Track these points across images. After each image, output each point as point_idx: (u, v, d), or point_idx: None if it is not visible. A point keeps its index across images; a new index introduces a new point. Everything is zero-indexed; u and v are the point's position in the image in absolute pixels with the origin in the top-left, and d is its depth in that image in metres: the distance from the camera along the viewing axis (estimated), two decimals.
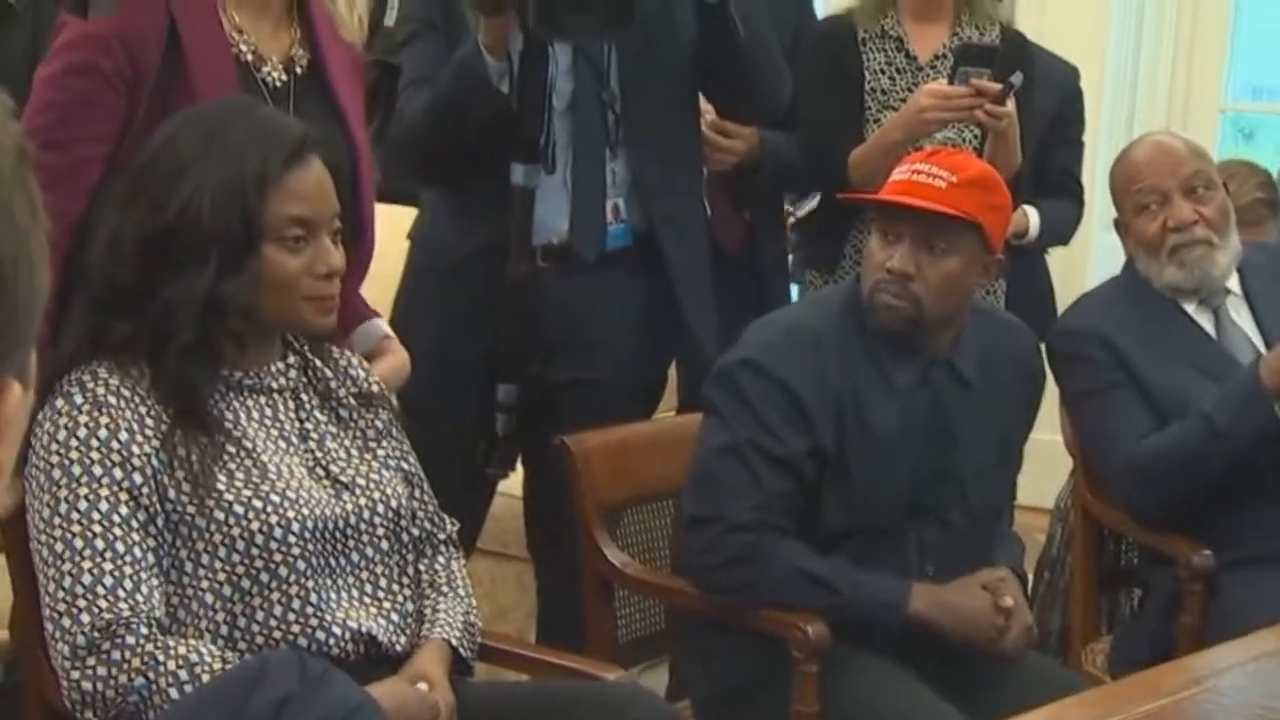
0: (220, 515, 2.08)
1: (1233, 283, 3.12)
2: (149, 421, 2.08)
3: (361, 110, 2.57)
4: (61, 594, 2.01)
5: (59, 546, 2.03)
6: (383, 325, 2.65)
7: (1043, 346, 3.04)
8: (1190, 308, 3.10)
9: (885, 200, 2.59)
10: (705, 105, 3.29)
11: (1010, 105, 3.24)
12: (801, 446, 2.55)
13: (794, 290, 3.79)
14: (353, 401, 2.28)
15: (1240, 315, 3.11)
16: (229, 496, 2.09)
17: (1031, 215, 3.77)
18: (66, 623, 2.01)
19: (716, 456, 2.59)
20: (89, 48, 2.36)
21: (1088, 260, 4.95)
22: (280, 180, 2.13)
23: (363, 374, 2.33)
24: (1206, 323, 3.10)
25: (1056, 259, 4.16)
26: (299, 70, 2.49)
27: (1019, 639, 2.60)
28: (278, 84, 2.46)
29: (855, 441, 2.57)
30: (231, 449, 2.12)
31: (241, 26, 2.45)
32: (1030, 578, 3.43)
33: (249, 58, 2.45)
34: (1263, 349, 3.03)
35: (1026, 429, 2.84)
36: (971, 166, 2.62)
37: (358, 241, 2.37)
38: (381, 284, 3.23)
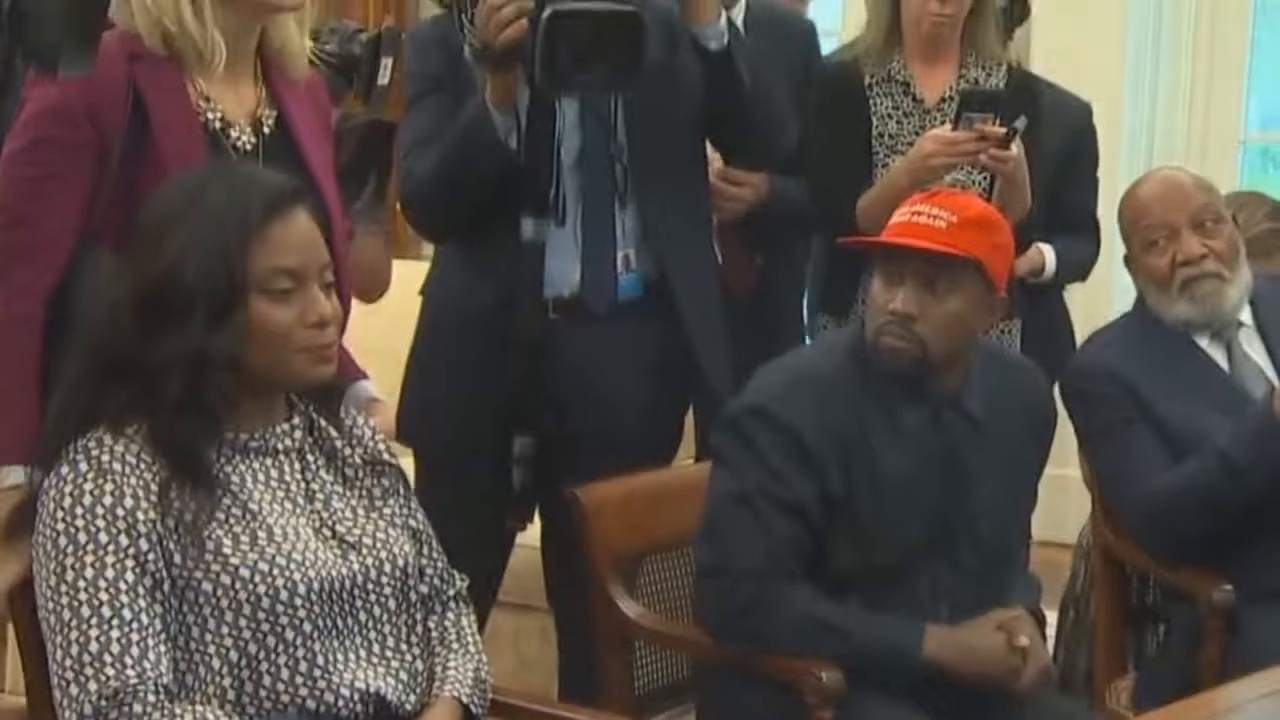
0: (226, 579, 2.09)
1: (1245, 315, 3.12)
2: (153, 487, 2.10)
3: (330, 165, 2.59)
4: (69, 662, 2.03)
5: (66, 614, 2.04)
6: (369, 388, 2.67)
7: (1057, 385, 3.05)
8: (1203, 341, 3.10)
9: (885, 242, 2.60)
10: (712, 153, 3.31)
11: (1016, 148, 3.25)
12: (809, 491, 2.56)
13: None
14: (358, 460, 2.30)
15: (1253, 347, 3.11)
16: (234, 560, 2.10)
17: (1047, 253, 3.77)
18: (74, 691, 2.02)
19: (725, 505, 2.60)
20: (52, 121, 2.39)
21: (1109, 296, 4.93)
22: (262, 231, 2.14)
23: (369, 433, 2.34)
24: (1219, 356, 3.10)
25: (1077, 296, 4.16)
26: (266, 129, 2.52)
27: (1035, 678, 2.59)
28: (247, 148, 2.48)
29: (863, 485, 2.58)
30: (237, 512, 2.14)
31: (208, 94, 2.48)
32: (1051, 615, 3.41)
33: (217, 125, 2.47)
34: (1276, 381, 3.03)
35: (1039, 468, 2.84)
36: (972, 206, 2.63)
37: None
38: (401, 337, 3.25)
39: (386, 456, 2.34)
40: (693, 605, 2.82)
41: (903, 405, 2.61)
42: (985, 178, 3.39)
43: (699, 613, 2.72)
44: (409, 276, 3.30)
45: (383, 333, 3.20)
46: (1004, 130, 3.22)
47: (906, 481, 2.59)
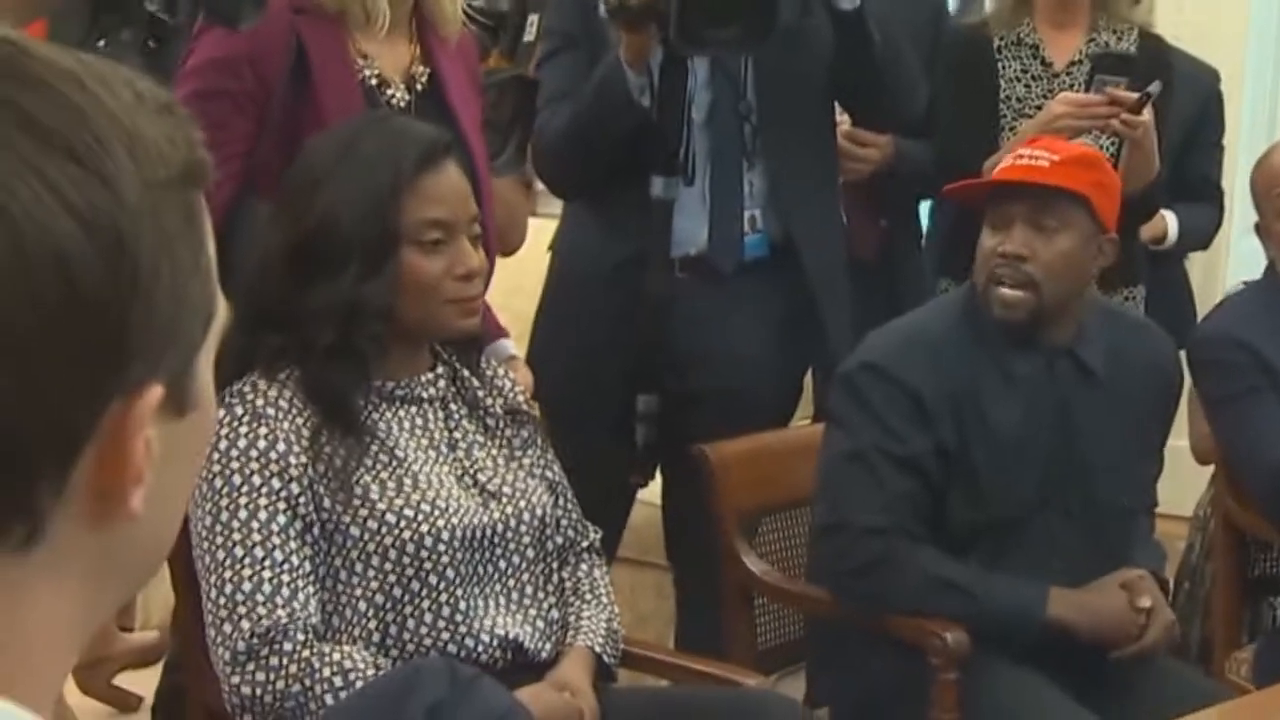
0: (373, 524, 2.13)
1: None
2: (305, 432, 2.14)
3: (479, 123, 2.62)
4: (223, 600, 2.08)
5: (220, 554, 2.09)
6: (510, 346, 2.70)
7: (1183, 352, 3.03)
8: None
9: (990, 181, 2.61)
10: (840, 113, 3.30)
11: (1147, 114, 3.22)
12: (925, 446, 2.56)
13: None
14: (499, 411, 2.33)
15: None
16: (381, 505, 2.14)
17: (1170, 220, 3.74)
18: (228, 629, 2.07)
19: (842, 463, 2.61)
20: (216, 72, 2.42)
21: (1226, 265, 4.88)
22: (415, 184, 2.18)
23: (509, 384, 2.38)
24: None
25: (1195, 264, 4.12)
26: (419, 87, 2.55)
27: (1159, 635, 2.58)
28: (401, 105, 2.51)
29: (977, 437, 2.57)
30: (384, 458, 2.18)
31: (365, 51, 2.51)
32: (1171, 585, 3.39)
33: (373, 82, 2.50)
34: None
35: (1163, 430, 2.81)
36: (1074, 147, 2.65)
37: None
38: (524, 296, 3.29)
39: (525, 407, 2.37)
40: (807, 564, 2.83)
41: (1015, 356, 2.61)
42: (1113, 143, 3.36)
43: (814, 571, 2.73)
44: (533, 233, 3.33)
45: (508, 289, 3.22)
46: (1137, 95, 3.19)
47: (1019, 433, 2.59)
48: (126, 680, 3.63)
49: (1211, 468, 3.45)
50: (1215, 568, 3.35)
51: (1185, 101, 3.64)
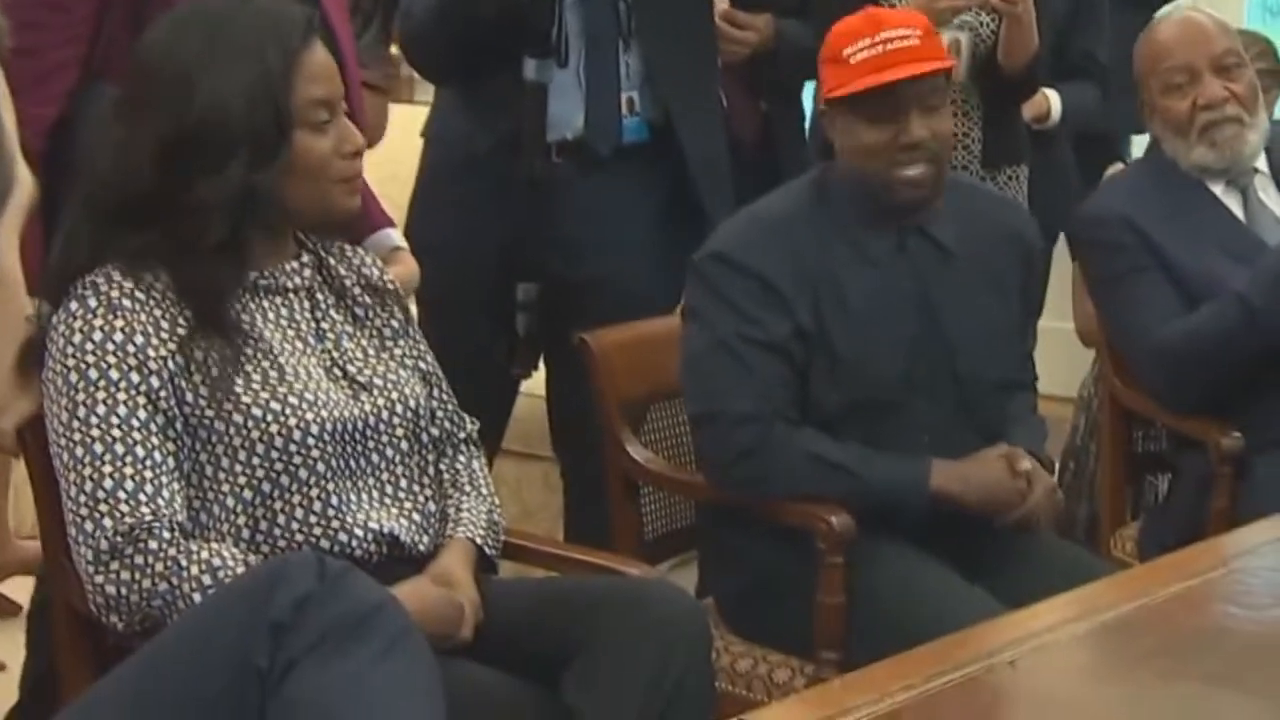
0: (239, 419, 2.06)
1: (1260, 162, 3.07)
2: (164, 324, 2.07)
3: (344, 6, 2.54)
4: (83, 498, 2.01)
5: (79, 451, 2.01)
6: (395, 235, 2.64)
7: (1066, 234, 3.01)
8: (1218, 189, 3.05)
9: (890, 79, 2.51)
10: None
11: None
12: (784, 329, 2.52)
13: None
14: (368, 299, 2.26)
15: (1269, 195, 3.06)
16: (246, 399, 2.07)
17: (1052, 99, 3.72)
18: (89, 527, 2.00)
19: (706, 353, 2.56)
20: None
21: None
22: (300, 64, 2.11)
23: (376, 271, 2.31)
24: (1234, 204, 3.06)
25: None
26: None
27: (1041, 499, 2.56)
28: None
29: (834, 317, 2.54)
30: (249, 351, 2.11)
31: None
32: (1055, 464, 3.40)
33: None
34: None
35: (1028, 303, 2.78)
36: (920, 17, 2.61)
37: None
38: (398, 185, 3.21)
39: (390, 286, 2.31)
40: (694, 455, 2.80)
41: (867, 235, 2.57)
42: (994, 19, 3.34)
43: (699, 463, 2.69)
44: (408, 121, 3.25)
45: (382, 178, 3.15)
46: None
47: (876, 311, 2.55)
48: (9, 587, 3.58)
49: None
50: (1100, 446, 3.36)
51: None
